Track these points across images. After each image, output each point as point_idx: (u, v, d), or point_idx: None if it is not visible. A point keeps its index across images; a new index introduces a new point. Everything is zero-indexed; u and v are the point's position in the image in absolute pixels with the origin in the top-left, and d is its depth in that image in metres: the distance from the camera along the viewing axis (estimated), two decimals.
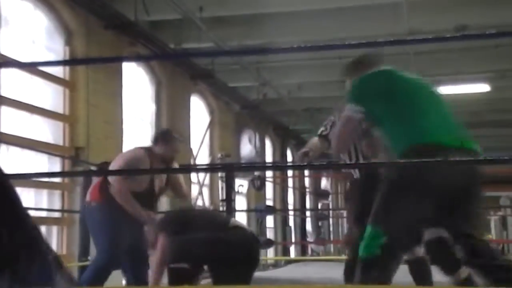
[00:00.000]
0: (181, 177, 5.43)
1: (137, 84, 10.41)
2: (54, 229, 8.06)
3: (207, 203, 12.43)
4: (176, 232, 4.52)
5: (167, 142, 5.15)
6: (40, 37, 7.98)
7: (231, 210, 8.52)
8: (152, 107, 10.93)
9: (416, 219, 3.15)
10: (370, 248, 3.15)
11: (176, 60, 10.51)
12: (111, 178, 4.91)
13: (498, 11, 9.15)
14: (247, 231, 4.91)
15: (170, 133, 5.38)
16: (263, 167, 13.68)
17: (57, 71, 8.17)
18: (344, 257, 14.63)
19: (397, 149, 3.24)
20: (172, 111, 11.12)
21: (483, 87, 12.89)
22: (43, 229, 7.32)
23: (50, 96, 8.09)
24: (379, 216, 3.20)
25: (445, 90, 13.17)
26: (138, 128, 10.34)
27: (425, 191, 3.08)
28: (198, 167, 11.61)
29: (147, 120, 10.77)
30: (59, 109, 8.28)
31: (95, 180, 5.34)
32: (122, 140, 9.17)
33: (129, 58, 9.44)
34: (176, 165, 5.52)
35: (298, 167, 12.18)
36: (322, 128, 5.06)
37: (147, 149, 5.14)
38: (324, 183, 22.70)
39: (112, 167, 5.12)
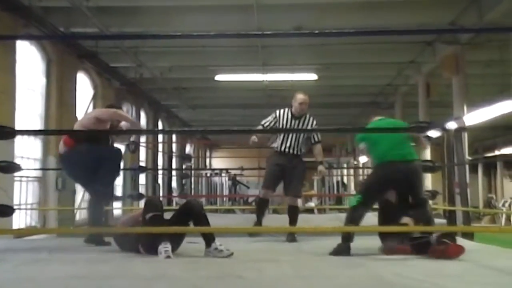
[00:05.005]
0: None
1: (29, 60, 9.89)
2: None
3: None
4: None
5: None
6: None
7: None
8: (42, 81, 10.40)
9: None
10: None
11: (64, 41, 10.03)
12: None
13: (330, 16, 9.58)
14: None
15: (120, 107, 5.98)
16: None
17: None
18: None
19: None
20: (61, 85, 10.68)
21: (312, 76, 13.51)
22: None
23: None
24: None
25: (284, 77, 13.73)
26: (29, 98, 9.86)
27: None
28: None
29: (38, 92, 10.25)
30: None
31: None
32: (14, 107, 8.74)
33: (21, 37, 8.87)
34: None
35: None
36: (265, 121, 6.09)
37: None
38: (188, 149, 22.82)
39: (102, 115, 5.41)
